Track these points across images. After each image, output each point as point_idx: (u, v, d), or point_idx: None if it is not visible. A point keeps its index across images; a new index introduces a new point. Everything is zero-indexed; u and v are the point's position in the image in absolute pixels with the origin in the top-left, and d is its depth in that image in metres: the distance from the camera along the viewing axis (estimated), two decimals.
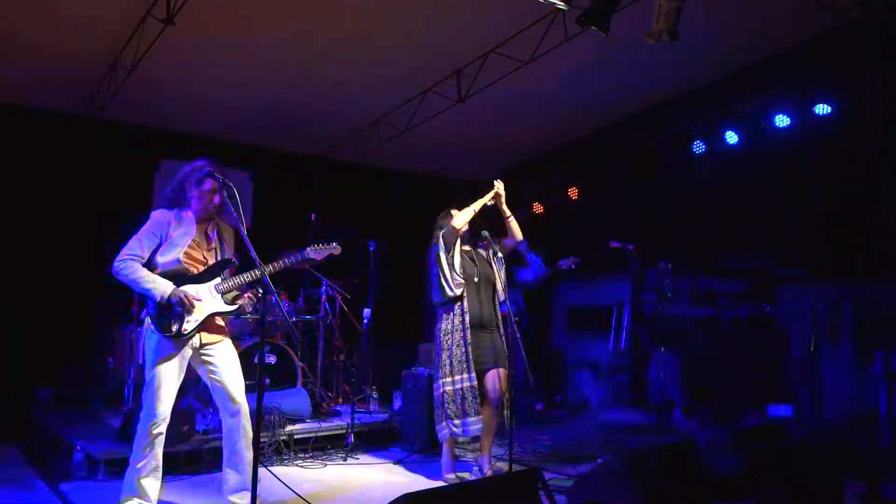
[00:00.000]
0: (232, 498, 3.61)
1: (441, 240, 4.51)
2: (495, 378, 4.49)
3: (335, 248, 3.72)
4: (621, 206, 7.30)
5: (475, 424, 4.38)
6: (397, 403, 5.89)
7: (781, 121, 5.92)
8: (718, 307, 6.28)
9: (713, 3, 4.83)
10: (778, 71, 5.76)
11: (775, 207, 6.13)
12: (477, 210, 4.56)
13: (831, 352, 5.41)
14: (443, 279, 4.46)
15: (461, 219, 4.52)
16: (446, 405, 4.42)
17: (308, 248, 3.69)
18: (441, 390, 4.46)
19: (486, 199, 4.59)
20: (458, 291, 4.44)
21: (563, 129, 7.40)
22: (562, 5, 4.79)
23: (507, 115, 6.95)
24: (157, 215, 3.57)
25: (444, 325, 4.51)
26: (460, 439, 4.65)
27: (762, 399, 5.78)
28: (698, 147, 6.60)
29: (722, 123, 6.30)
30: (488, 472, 4.53)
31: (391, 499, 2.63)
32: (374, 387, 6.24)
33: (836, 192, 5.66)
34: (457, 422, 4.40)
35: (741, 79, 6.00)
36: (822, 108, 5.65)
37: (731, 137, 6.31)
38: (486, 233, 4.64)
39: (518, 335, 4.18)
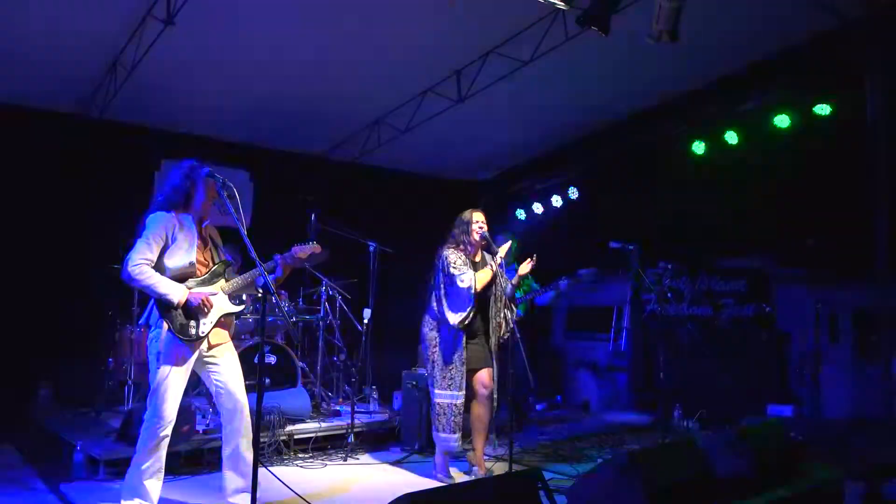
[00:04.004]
0: (232, 499, 3.61)
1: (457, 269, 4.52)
2: (484, 376, 4.58)
3: (316, 247, 3.83)
4: (621, 206, 7.30)
5: (455, 442, 4.51)
6: (397, 403, 5.90)
7: (781, 121, 5.93)
8: (718, 307, 6.29)
9: (713, 3, 4.82)
10: (778, 71, 5.77)
11: (775, 208, 6.13)
12: (494, 271, 4.55)
13: (831, 352, 5.41)
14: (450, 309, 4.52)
15: (481, 282, 4.50)
16: (441, 416, 4.53)
17: (294, 247, 3.78)
18: (437, 400, 4.57)
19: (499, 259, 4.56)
20: (465, 323, 4.49)
21: (563, 128, 7.39)
22: (562, 5, 4.79)
23: (507, 115, 6.95)
24: (160, 217, 3.51)
25: (442, 336, 4.56)
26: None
27: (762, 399, 5.78)
28: (698, 147, 6.61)
29: (722, 123, 6.29)
30: (481, 472, 4.55)
31: (391, 499, 2.63)
32: (374, 387, 6.24)
33: (835, 192, 5.66)
34: (443, 435, 4.52)
35: (741, 79, 5.99)
36: (822, 109, 5.66)
37: (731, 137, 6.32)
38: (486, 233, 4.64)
39: (518, 335, 4.18)
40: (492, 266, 4.51)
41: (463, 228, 4.62)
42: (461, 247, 4.62)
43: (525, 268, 4.65)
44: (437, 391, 4.51)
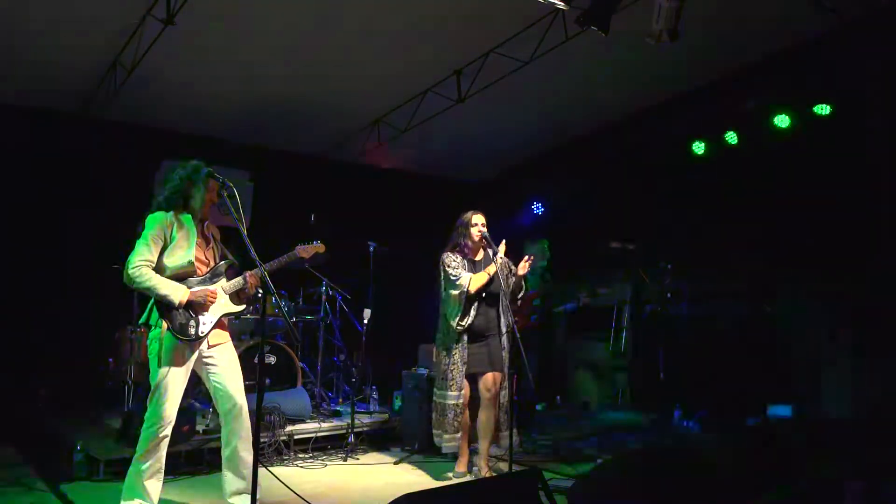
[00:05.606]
0: (231, 499, 3.61)
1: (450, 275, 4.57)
2: (487, 379, 4.60)
3: (319, 246, 3.88)
4: (621, 206, 7.29)
5: (449, 442, 4.58)
6: (397, 403, 5.90)
7: (781, 121, 5.93)
8: (718, 307, 6.28)
9: (713, 3, 4.82)
10: (778, 71, 5.77)
11: (775, 208, 6.13)
12: (491, 274, 4.55)
13: (831, 352, 5.41)
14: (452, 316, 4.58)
15: (476, 284, 4.52)
16: (443, 417, 4.63)
17: (298, 247, 3.83)
18: (446, 402, 4.63)
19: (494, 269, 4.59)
20: (464, 325, 4.55)
21: (562, 128, 7.39)
22: (562, 5, 4.79)
23: (507, 115, 6.94)
24: (159, 217, 3.52)
25: (441, 336, 4.68)
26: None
27: (762, 399, 5.78)
28: (698, 147, 6.61)
29: (722, 123, 6.29)
30: (486, 474, 4.56)
31: (391, 499, 2.63)
32: (374, 387, 6.24)
33: (835, 192, 5.66)
34: (436, 432, 4.64)
35: (741, 79, 5.99)
36: (821, 109, 5.66)
37: (731, 137, 6.31)
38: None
39: (518, 336, 4.19)
40: (495, 262, 4.54)
41: (461, 231, 4.71)
42: (458, 248, 4.69)
43: (522, 268, 4.68)
44: (449, 392, 4.56)
